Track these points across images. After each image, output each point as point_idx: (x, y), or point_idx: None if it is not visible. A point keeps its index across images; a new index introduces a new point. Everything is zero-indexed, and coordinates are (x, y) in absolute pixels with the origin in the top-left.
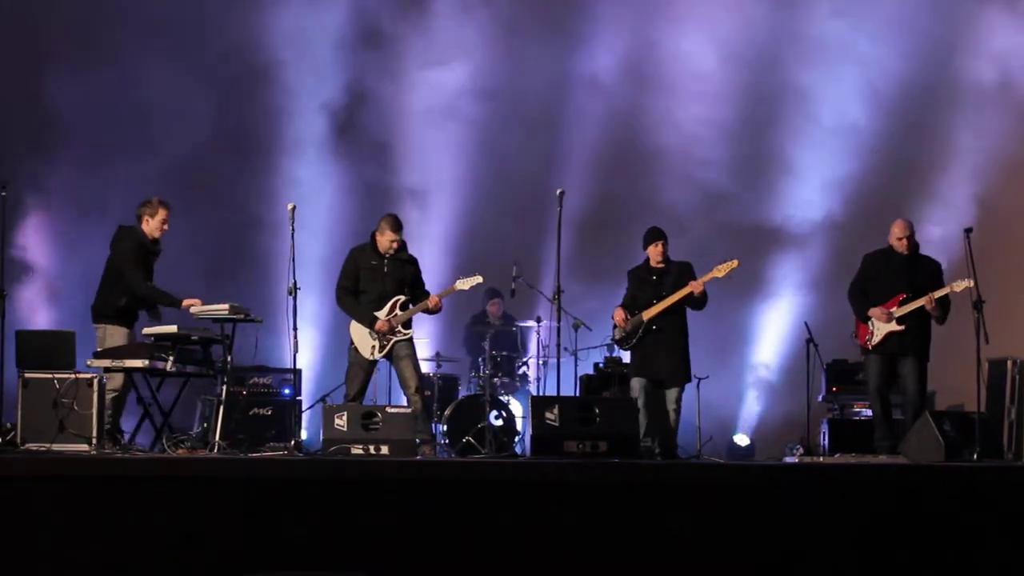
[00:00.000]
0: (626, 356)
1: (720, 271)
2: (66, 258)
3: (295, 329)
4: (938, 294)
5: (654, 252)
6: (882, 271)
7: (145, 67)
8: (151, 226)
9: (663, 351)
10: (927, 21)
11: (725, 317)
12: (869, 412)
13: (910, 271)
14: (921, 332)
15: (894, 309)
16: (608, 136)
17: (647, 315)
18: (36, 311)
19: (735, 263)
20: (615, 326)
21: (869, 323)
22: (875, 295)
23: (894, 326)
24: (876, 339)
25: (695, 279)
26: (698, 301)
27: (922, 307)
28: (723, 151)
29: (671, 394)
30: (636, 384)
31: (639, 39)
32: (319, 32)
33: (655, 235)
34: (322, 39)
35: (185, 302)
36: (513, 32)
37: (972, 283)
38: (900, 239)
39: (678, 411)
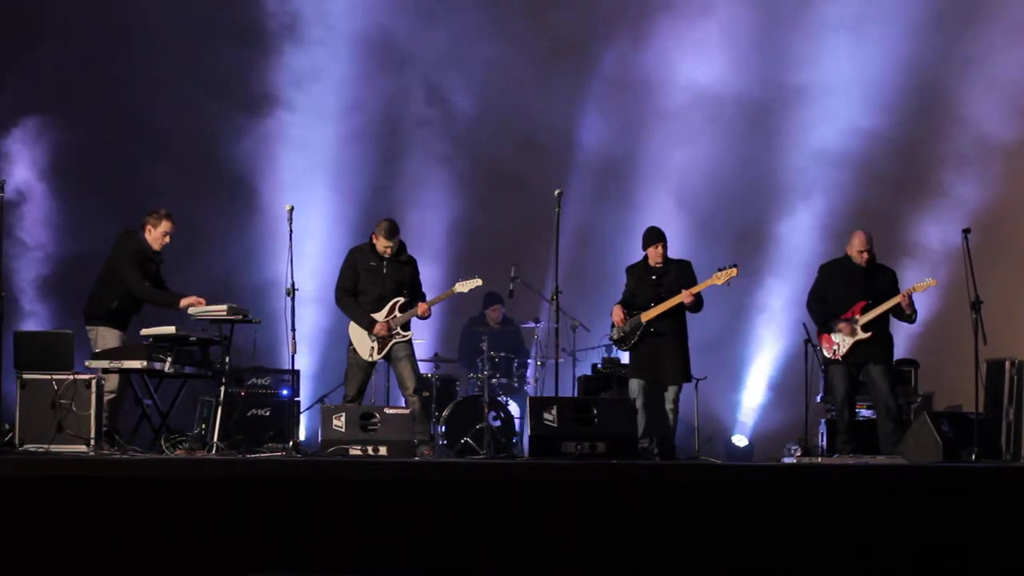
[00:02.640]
0: (624, 357)
1: (719, 278)
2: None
3: (293, 330)
4: (914, 289)
5: (653, 254)
6: (840, 280)
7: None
8: (153, 236)
9: (662, 353)
10: (928, 26)
11: (724, 318)
12: (867, 413)
13: (869, 279)
14: (886, 340)
15: (857, 316)
16: (609, 136)
17: (646, 317)
18: None
19: (734, 271)
20: (613, 325)
21: (833, 334)
22: (835, 304)
23: (861, 334)
24: (843, 349)
25: (694, 277)
26: (693, 305)
27: (884, 315)
28: (725, 150)
29: (669, 394)
30: (635, 385)
31: (641, 41)
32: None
33: (655, 236)
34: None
35: (183, 301)
36: (515, 32)
37: (935, 282)
38: (861, 252)
39: (676, 411)
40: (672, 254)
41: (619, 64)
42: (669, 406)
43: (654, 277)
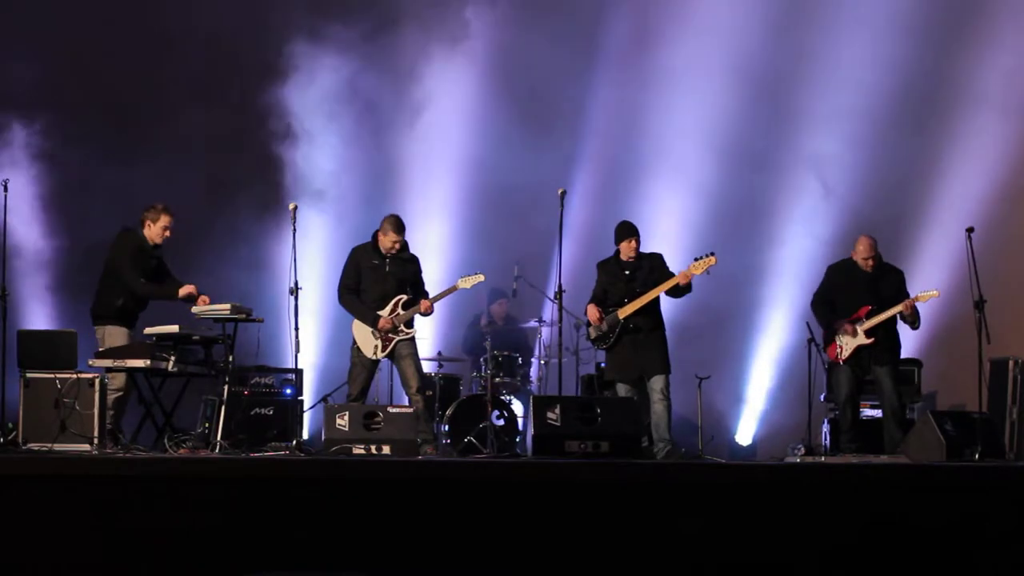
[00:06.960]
0: None
1: (698, 268)
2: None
3: (297, 329)
4: (913, 301)
5: (626, 248)
6: (847, 283)
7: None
8: (152, 231)
9: (642, 349)
10: (928, 24)
11: (726, 317)
12: (870, 412)
13: (875, 283)
14: (891, 343)
15: (862, 319)
16: (612, 136)
17: (623, 313)
18: None
19: (712, 260)
20: (588, 324)
21: (837, 337)
22: (841, 307)
23: (863, 339)
24: (846, 353)
25: (667, 269)
26: (682, 290)
27: (890, 318)
28: (726, 147)
29: (656, 384)
30: (621, 389)
31: (644, 38)
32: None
33: (627, 231)
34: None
35: (182, 291)
36: (520, 28)
37: (937, 293)
38: (865, 259)
39: (667, 401)
40: (680, 246)
41: (626, 63)
42: (658, 396)
43: (627, 272)
